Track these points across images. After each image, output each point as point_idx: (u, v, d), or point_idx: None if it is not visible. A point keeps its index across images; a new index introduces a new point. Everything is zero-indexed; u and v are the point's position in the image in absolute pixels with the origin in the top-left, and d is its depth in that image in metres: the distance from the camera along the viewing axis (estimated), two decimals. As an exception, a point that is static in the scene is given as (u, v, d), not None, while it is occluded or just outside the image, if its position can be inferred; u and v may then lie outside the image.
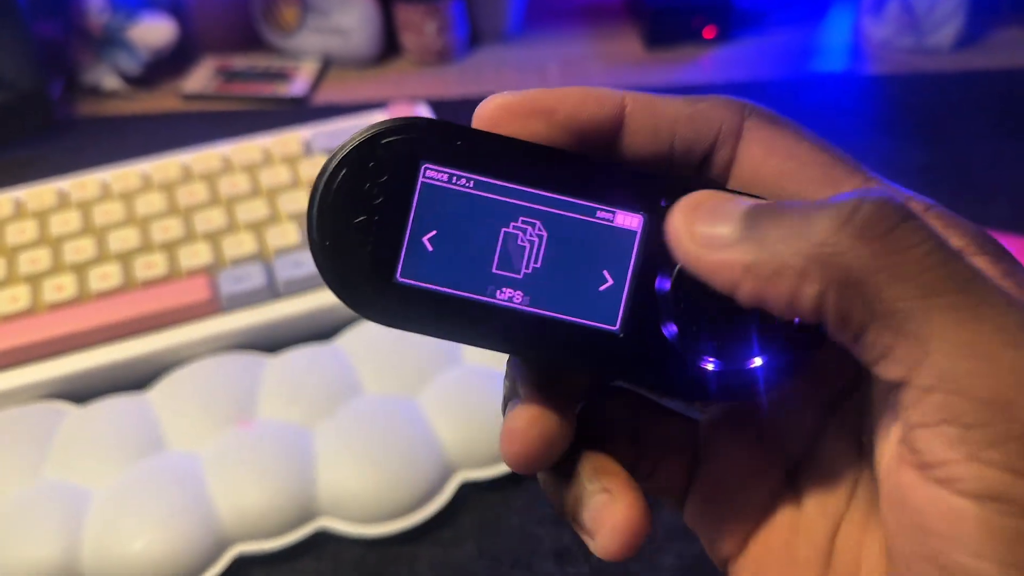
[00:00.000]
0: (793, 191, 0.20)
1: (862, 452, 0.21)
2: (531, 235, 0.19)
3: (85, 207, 0.51)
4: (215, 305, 0.46)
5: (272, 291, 0.47)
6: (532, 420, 0.19)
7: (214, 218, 0.49)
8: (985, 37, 0.73)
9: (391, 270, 0.19)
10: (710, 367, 0.19)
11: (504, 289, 0.19)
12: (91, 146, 0.65)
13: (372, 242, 0.18)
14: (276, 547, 0.39)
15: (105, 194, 0.52)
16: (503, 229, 0.19)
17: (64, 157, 0.64)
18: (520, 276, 0.19)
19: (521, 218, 0.19)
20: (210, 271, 0.47)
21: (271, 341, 0.47)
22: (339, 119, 0.57)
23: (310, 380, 0.43)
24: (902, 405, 0.16)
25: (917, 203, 0.19)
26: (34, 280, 0.47)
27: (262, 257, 0.48)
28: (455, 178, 0.19)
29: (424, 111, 0.57)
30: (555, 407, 0.20)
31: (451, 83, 0.71)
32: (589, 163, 0.19)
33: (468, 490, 0.41)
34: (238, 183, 0.51)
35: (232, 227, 0.49)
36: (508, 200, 0.19)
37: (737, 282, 0.17)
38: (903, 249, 0.16)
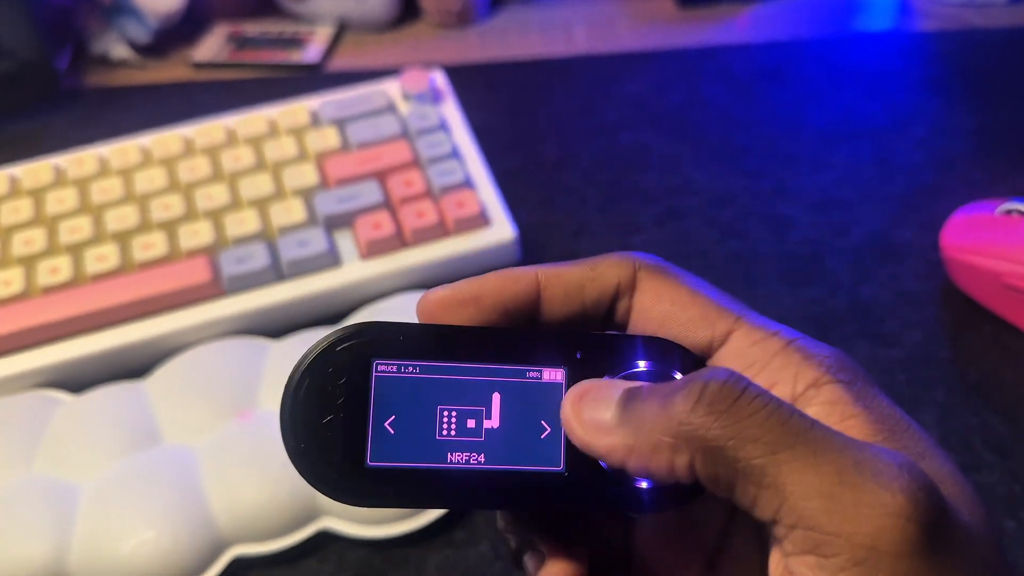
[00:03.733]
0: (677, 332, 0.23)
1: (763, 544, 0.23)
2: (475, 403, 0.22)
3: (82, 184, 0.48)
4: (216, 287, 0.44)
5: (276, 272, 0.44)
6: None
7: (216, 194, 0.47)
8: (1044, -11, 0.68)
9: (361, 457, 0.21)
10: (643, 485, 0.22)
11: (461, 454, 0.22)
12: (100, 117, 0.63)
13: (341, 437, 0.21)
14: (276, 549, 0.36)
15: (103, 170, 0.49)
16: (450, 404, 0.22)
17: (71, 128, 0.62)
18: (472, 440, 0.22)
19: (465, 390, 0.22)
20: (211, 251, 0.45)
21: (275, 325, 0.44)
22: (352, 86, 0.54)
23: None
24: (777, 537, 0.20)
25: (780, 339, 0.22)
26: (28, 262, 0.45)
27: (266, 236, 0.46)
28: (403, 367, 0.22)
29: (438, 76, 0.54)
30: (575, 554, 0.23)
31: (472, 47, 0.67)
32: (513, 334, 0.23)
33: (481, 487, 0.38)
34: (241, 157, 0.49)
35: (235, 204, 0.47)
36: (450, 377, 0.22)
37: (623, 461, 0.21)
38: (747, 416, 0.19)
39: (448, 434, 0.22)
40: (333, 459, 0.21)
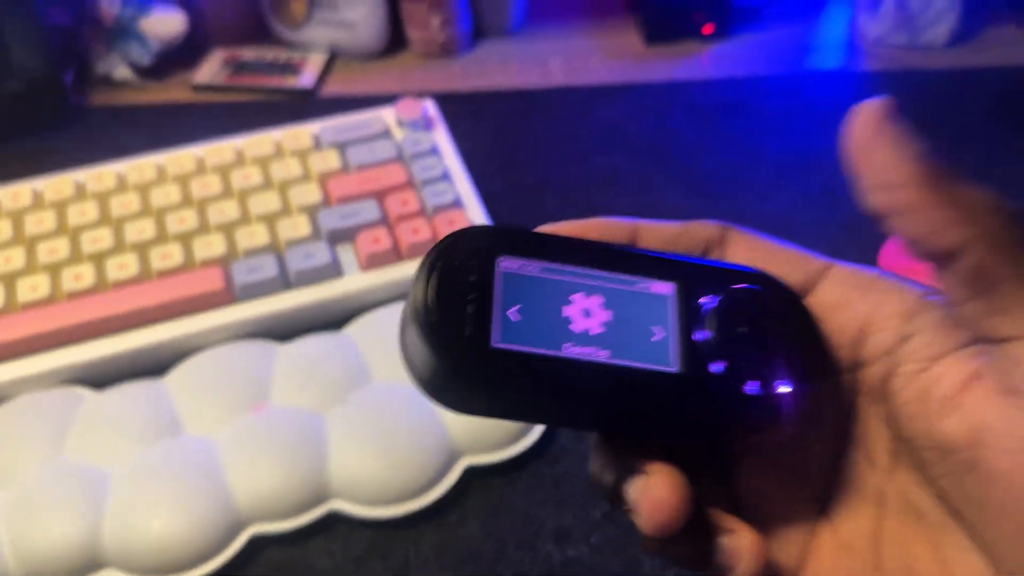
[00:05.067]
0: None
1: (876, 467, 0.24)
2: (591, 303, 0.23)
3: (102, 198, 0.52)
4: (229, 295, 0.48)
5: (284, 281, 0.49)
6: (673, 487, 0.22)
7: (227, 210, 0.51)
8: (979, 34, 0.74)
9: (487, 338, 0.22)
10: (752, 392, 0.23)
11: (580, 347, 0.22)
12: (105, 135, 0.67)
13: (468, 318, 0.22)
14: (290, 528, 0.41)
15: (121, 185, 0.53)
16: (568, 301, 0.23)
17: (78, 146, 0.66)
18: (590, 334, 0.23)
19: (582, 291, 0.23)
20: (224, 262, 0.49)
21: (283, 330, 0.48)
22: (347, 113, 0.58)
23: (321, 368, 0.45)
24: (1012, 355, 0.20)
25: (871, 272, 0.25)
26: (53, 269, 0.49)
27: (274, 248, 0.50)
28: (524, 265, 0.23)
29: (430, 105, 0.59)
30: (679, 473, 0.23)
31: (456, 76, 0.72)
32: (627, 250, 0.24)
33: (473, 474, 0.43)
34: (250, 176, 0.53)
35: (245, 219, 0.51)
36: (568, 279, 0.23)
37: (899, 186, 0.21)
38: None
39: (568, 327, 0.22)
40: (461, 335, 0.21)
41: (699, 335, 0.23)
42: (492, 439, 0.43)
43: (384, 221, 0.51)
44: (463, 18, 0.73)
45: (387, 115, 0.58)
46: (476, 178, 0.56)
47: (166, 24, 0.70)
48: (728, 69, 0.72)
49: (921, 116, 0.64)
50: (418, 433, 0.42)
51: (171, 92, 0.72)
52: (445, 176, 0.54)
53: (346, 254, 0.50)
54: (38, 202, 0.52)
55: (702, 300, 0.24)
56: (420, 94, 0.61)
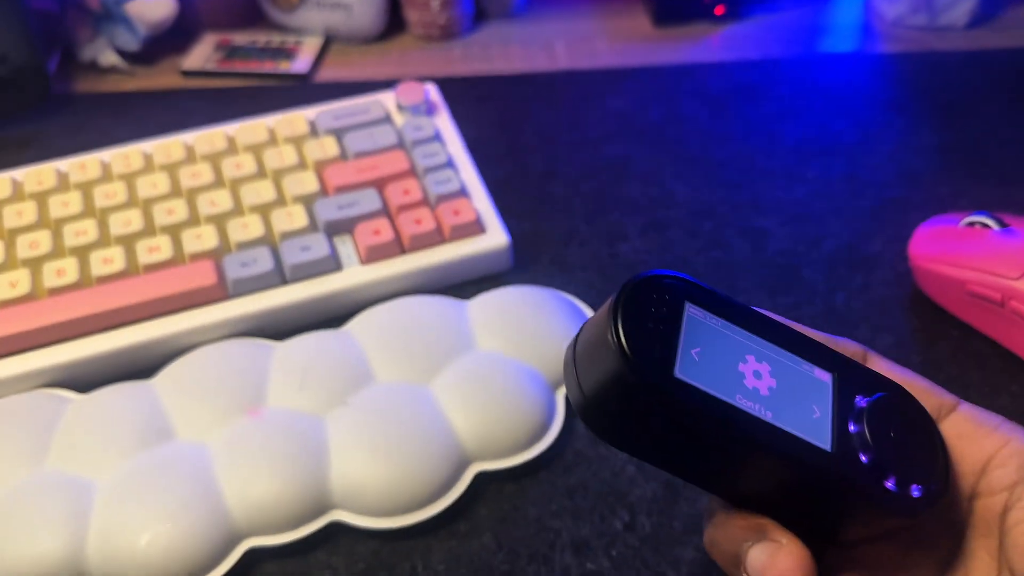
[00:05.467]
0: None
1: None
2: (763, 368, 0.25)
3: (86, 188, 0.49)
4: (221, 290, 0.45)
5: (279, 276, 0.46)
6: (801, 562, 0.24)
7: (219, 200, 0.48)
8: (999, 16, 0.72)
9: (671, 367, 0.23)
10: (891, 488, 0.24)
11: (749, 401, 0.24)
12: (90, 123, 0.64)
13: (657, 345, 0.23)
14: (289, 540, 0.38)
15: (106, 175, 0.50)
16: (743, 359, 0.24)
17: (63, 134, 0.63)
18: (758, 393, 0.24)
19: (755, 355, 0.25)
20: (215, 255, 0.46)
21: (279, 327, 0.46)
22: (342, 98, 0.55)
23: (320, 367, 0.42)
24: None
25: (994, 420, 0.27)
26: (34, 264, 0.46)
27: (268, 241, 0.47)
28: (708, 317, 0.25)
29: (432, 89, 0.56)
30: (807, 550, 0.24)
31: (456, 60, 0.69)
32: (799, 334, 0.26)
33: (484, 481, 0.40)
34: (243, 164, 0.50)
35: (237, 210, 0.48)
36: (745, 341, 0.25)
37: None
38: None
39: (741, 381, 0.24)
40: (651, 355, 0.23)
41: (853, 426, 0.25)
42: (503, 444, 0.40)
43: (385, 211, 0.48)
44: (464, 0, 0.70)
45: (387, 100, 0.55)
46: (480, 165, 0.53)
47: (154, 7, 0.67)
48: (741, 52, 0.69)
49: (941, 100, 0.62)
50: (425, 437, 0.39)
51: (160, 78, 0.69)
52: (449, 164, 0.51)
53: (345, 247, 0.48)
54: (18, 193, 0.49)
55: (858, 396, 0.26)
56: (419, 79, 0.58)
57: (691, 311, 0.24)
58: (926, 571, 0.26)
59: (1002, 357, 0.45)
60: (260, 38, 0.71)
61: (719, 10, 0.71)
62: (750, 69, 0.67)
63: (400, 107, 0.54)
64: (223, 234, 0.47)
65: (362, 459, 0.39)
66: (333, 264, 0.46)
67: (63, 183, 0.50)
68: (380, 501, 0.38)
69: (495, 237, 0.48)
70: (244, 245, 0.47)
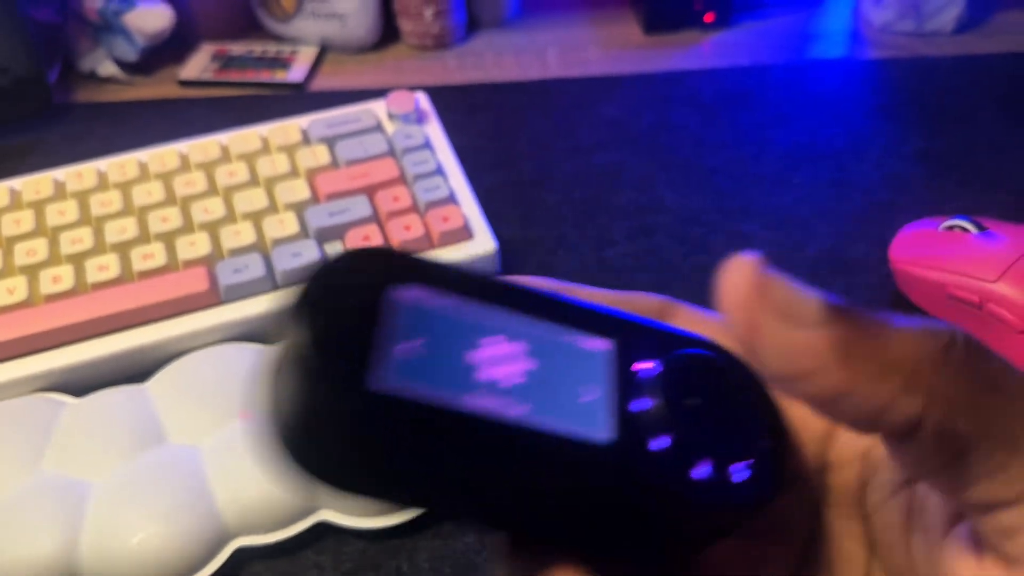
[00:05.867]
0: None
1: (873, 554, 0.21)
2: (507, 351, 0.18)
3: (82, 197, 0.50)
4: (214, 296, 0.46)
5: (271, 282, 0.47)
6: None
7: (212, 208, 0.49)
8: (986, 21, 0.72)
9: (361, 379, 0.16)
10: (703, 477, 0.18)
11: (484, 397, 0.17)
12: (90, 132, 0.65)
13: (345, 356, 0.17)
14: (277, 540, 0.39)
15: (102, 183, 0.51)
16: (479, 342, 0.18)
17: (63, 142, 0.64)
18: (498, 385, 0.17)
19: (496, 336, 0.18)
20: (208, 262, 0.47)
21: (271, 332, 0.46)
22: (337, 107, 0.56)
23: (309, 372, 0.43)
24: (1002, 525, 0.16)
25: None
26: (31, 271, 0.47)
27: (260, 248, 0.48)
28: (429, 299, 0.18)
29: (422, 98, 0.57)
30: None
31: (449, 69, 0.70)
32: (560, 300, 0.19)
33: (468, 482, 0.41)
34: (236, 172, 0.51)
35: (230, 217, 0.49)
36: (482, 322, 0.18)
37: (817, 370, 0.15)
38: (1004, 374, 0.16)
39: (470, 374, 0.17)
40: (333, 373, 0.16)
41: (638, 404, 0.19)
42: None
43: (375, 218, 0.49)
44: (457, 9, 0.71)
45: (378, 108, 0.56)
46: (470, 173, 0.54)
47: (152, 18, 0.68)
48: (730, 59, 0.70)
49: (928, 105, 0.62)
50: (411, 439, 0.40)
51: (158, 88, 0.70)
52: (438, 171, 0.52)
53: (335, 253, 0.48)
54: (15, 202, 0.50)
55: (647, 364, 0.19)
56: (413, 87, 0.59)
57: (400, 296, 0.18)
58: (782, 568, 0.21)
59: (982, 359, 0.46)
60: (256, 48, 0.72)
61: (709, 17, 0.72)
62: (740, 76, 0.67)
63: (391, 116, 0.55)
64: (216, 241, 0.48)
65: (349, 461, 0.40)
66: (324, 270, 0.47)
67: (60, 192, 0.51)
68: (367, 502, 0.39)
69: (483, 243, 0.49)
70: (236, 252, 0.47)
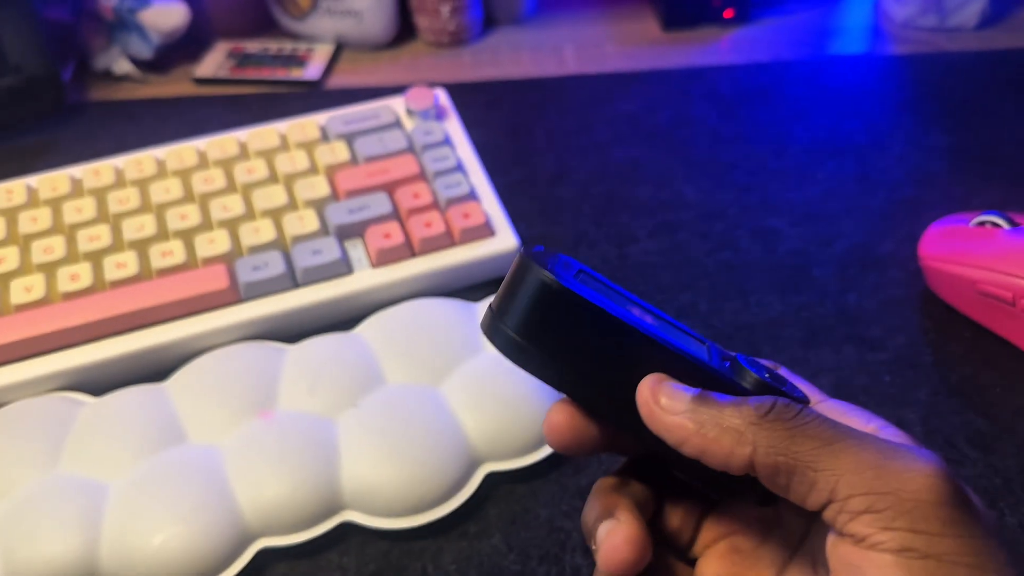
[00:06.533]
0: None
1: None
2: (647, 317, 0.28)
3: (99, 194, 0.50)
4: (233, 294, 0.46)
5: (291, 279, 0.46)
6: (633, 539, 0.27)
7: (231, 205, 0.49)
8: (1010, 15, 0.71)
9: (572, 284, 0.26)
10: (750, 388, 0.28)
11: (639, 316, 0.27)
12: (104, 130, 0.64)
13: (562, 273, 0.27)
14: (300, 541, 0.38)
15: (119, 181, 0.51)
16: (630, 307, 0.28)
17: (77, 141, 0.63)
18: (646, 319, 0.27)
19: (639, 308, 0.28)
20: (227, 259, 0.47)
21: (290, 330, 0.46)
22: (355, 104, 0.56)
23: (331, 370, 0.42)
24: (830, 518, 0.24)
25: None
26: (48, 269, 0.46)
27: (280, 245, 0.47)
28: (597, 284, 0.28)
29: (441, 94, 0.56)
30: (644, 528, 0.27)
31: (466, 66, 0.70)
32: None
33: (494, 482, 0.40)
34: (255, 169, 0.50)
35: (249, 214, 0.49)
36: (629, 299, 0.29)
37: (686, 438, 0.25)
38: (804, 423, 0.24)
39: (629, 308, 0.27)
40: (564, 276, 0.26)
41: (726, 366, 0.28)
42: (513, 444, 0.40)
43: (395, 215, 0.49)
44: (474, 6, 0.71)
45: (397, 105, 0.55)
46: (490, 169, 0.53)
47: (167, 16, 0.68)
48: (750, 55, 0.69)
49: (951, 101, 0.61)
50: (436, 438, 0.39)
51: (173, 86, 0.69)
52: (458, 167, 0.51)
53: (356, 250, 0.48)
54: (32, 199, 0.50)
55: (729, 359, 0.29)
56: (431, 84, 0.58)
57: (582, 277, 0.27)
58: (779, 556, 0.29)
59: (1014, 357, 0.45)
60: (272, 46, 0.72)
61: (728, 13, 0.71)
62: (759, 72, 0.67)
63: (410, 112, 0.55)
64: (235, 238, 0.47)
65: (373, 460, 0.39)
66: (344, 267, 0.47)
67: (77, 189, 0.50)
68: (391, 502, 0.38)
69: (504, 240, 0.48)
70: (256, 249, 0.47)
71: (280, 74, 0.68)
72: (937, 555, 0.22)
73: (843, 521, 0.23)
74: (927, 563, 0.22)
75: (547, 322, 0.26)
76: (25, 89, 0.64)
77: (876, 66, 0.67)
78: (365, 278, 0.47)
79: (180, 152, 0.52)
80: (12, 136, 0.65)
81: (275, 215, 0.48)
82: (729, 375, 0.27)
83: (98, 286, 0.46)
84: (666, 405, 0.25)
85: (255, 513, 0.38)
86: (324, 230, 0.48)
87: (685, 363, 0.27)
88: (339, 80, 0.69)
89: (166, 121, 0.65)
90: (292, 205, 0.49)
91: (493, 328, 0.27)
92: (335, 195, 0.50)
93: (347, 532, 0.39)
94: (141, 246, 0.47)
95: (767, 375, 0.28)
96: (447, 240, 0.48)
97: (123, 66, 0.69)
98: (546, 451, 0.41)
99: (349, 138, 0.53)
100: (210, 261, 0.46)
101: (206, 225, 0.48)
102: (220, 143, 0.52)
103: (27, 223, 0.48)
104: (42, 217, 0.48)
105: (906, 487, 0.22)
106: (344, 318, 0.47)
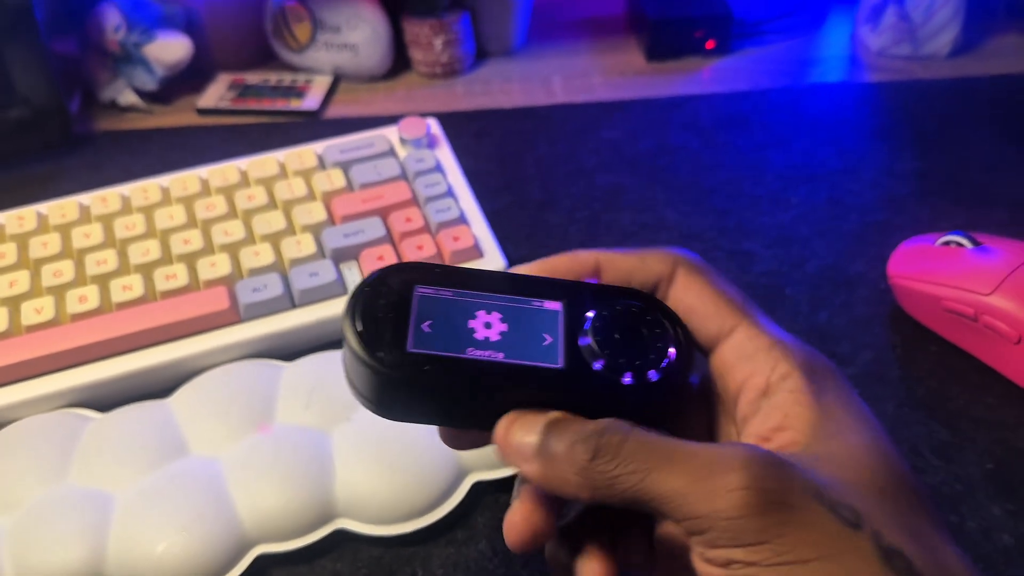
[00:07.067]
0: (695, 323, 0.30)
1: None
2: (493, 318, 0.28)
3: (106, 220, 0.52)
4: (233, 315, 0.48)
5: (288, 300, 0.49)
6: (526, 519, 0.28)
7: (232, 230, 0.51)
8: (981, 44, 0.74)
9: (404, 344, 0.27)
10: (626, 382, 0.28)
11: (480, 350, 0.28)
12: (110, 160, 0.67)
13: (390, 330, 0.27)
14: (296, 547, 0.40)
15: (126, 207, 0.53)
16: (475, 313, 0.28)
17: (84, 171, 0.66)
18: (489, 340, 0.28)
19: (484, 309, 0.29)
20: (228, 282, 0.49)
21: (288, 349, 0.48)
22: (351, 133, 0.58)
23: (326, 386, 0.45)
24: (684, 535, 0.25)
25: (768, 338, 0.29)
26: (57, 292, 0.49)
27: (278, 268, 0.50)
28: (438, 291, 0.29)
29: (433, 124, 0.59)
30: (544, 505, 0.28)
31: (459, 96, 0.72)
32: (526, 277, 0.30)
33: (481, 490, 0.42)
34: (255, 196, 0.53)
35: (249, 239, 0.51)
36: (473, 300, 0.29)
37: (539, 481, 0.26)
38: (628, 455, 0.25)
39: (471, 336, 0.28)
40: (384, 343, 0.27)
41: (583, 340, 0.28)
42: (499, 455, 0.42)
43: (388, 238, 0.51)
44: (466, 39, 0.74)
45: (390, 134, 0.58)
46: (480, 195, 0.56)
47: (171, 49, 0.71)
48: (730, 84, 0.72)
49: (924, 127, 0.64)
50: (424, 449, 0.42)
51: (177, 116, 0.72)
52: (449, 193, 0.54)
53: (351, 272, 0.50)
54: (43, 225, 0.52)
55: (587, 315, 0.29)
56: (424, 114, 0.61)
57: (421, 292, 0.28)
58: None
59: (978, 370, 0.47)
60: (272, 77, 0.74)
61: (710, 44, 0.74)
62: (739, 100, 0.69)
63: (403, 141, 0.57)
64: (236, 262, 0.50)
65: (365, 471, 0.41)
66: (340, 289, 0.49)
67: (85, 215, 0.53)
68: (382, 510, 0.40)
69: (493, 262, 0.51)
70: (256, 272, 0.49)
71: (280, 105, 0.71)
72: (757, 562, 0.23)
73: (689, 541, 0.25)
74: (751, 570, 0.23)
75: (390, 397, 0.28)
76: (33, 120, 0.67)
77: (852, 94, 0.70)
78: (359, 299, 0.49)
79: (183, 180, 0.54)
80: (21, 165, 0.67)
81: (274, 239, 0.51)
82: (581, 364, 0.28)
83: (105, 308, 0.48)
84: (516, 450, 0.27)
85: (253, 521, 0.40)
86: (320, 253, 0.51)
87: (535, 382, 0.27)
88: (337, 110, 0.72)
89: (170, 150, 0.68)
90: (290, 230, 0.52)
91: (355, 394, 0.29)
92: (331, 220, 0.52)
93: (341, 539, 0.41)
94: (146, 269, 0.50)
95: (617, 335, 0.28)
96: (438, 261, 0.50)
97: (128, 97, 0.72)
98: (530, 461, 0.43)
99: (345, 166, 0.55)
100: (212, 283, 0.49)
101: (208, 249, 0.51)
102: (222, 171, 0.55)
103: (38, 248, 0.51)
104: (52, 242, 0.51)
105: (717, 508, 0.24)
106: (339, 337, 0.49)
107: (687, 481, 0.24)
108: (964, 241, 0.48)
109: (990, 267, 0.46)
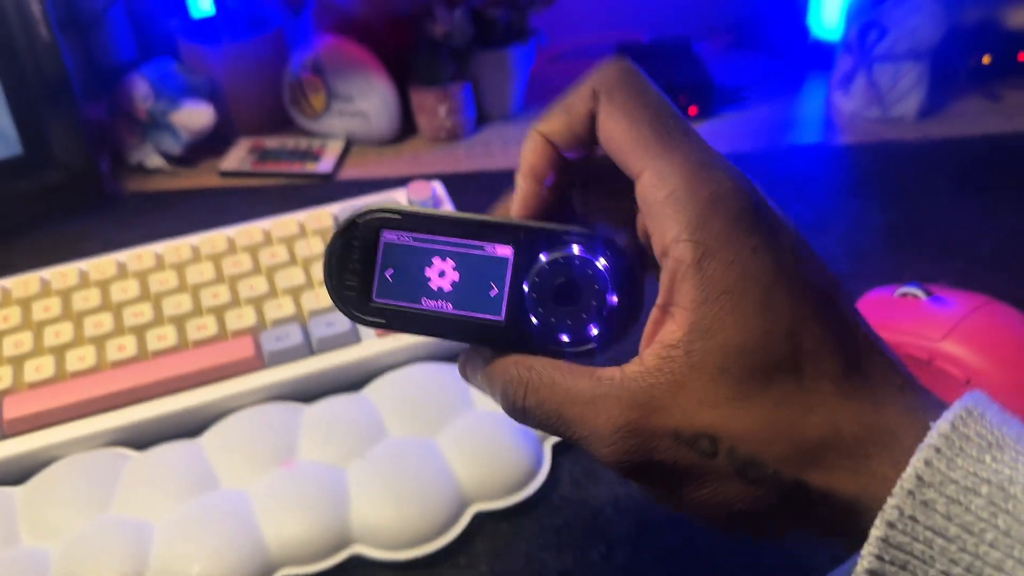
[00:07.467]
0: (621, 163, 0.29)
1: None
2: (447, 266, 0.30)
3: (142, 276, 0.58)
4: (258, 361, 0.53)
5: (308, 348, 0.54)
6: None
7: (257, 285, 0.56)
8: (945, 108, 0.80)
9: (370, 294, 0.31)
10: (564, 339, 0.30)
11: (432, 300, 0.31)
12: (139, 219, 0.72)
13: (359, 280, 0.31)
14: (316, 570, 0.45)
15: (159, 264, 0.59)
16: (431, 260, 0.30)
17: (115, 230, 0.71)
18: (442, 291, 0.31)
19: (441, 256, 0.30)
20: (254, 332, 0.54)
21: (307, 392, 0.53)
22: (362, 195, 0.64)
23: (342, 425, 0.50)
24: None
25: (665, 187, 0.28)
26: (98, 341, 0.54)
27: (299, 319, 0.55)
28: (401, 236, 0.30)
29: (438, 186, 0.64)
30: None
31: (461, 159, 0.78)
32: (480, 220, 0.31)
33: (481, 520, 0.47)
34: (277, 254, 0.58)
35: (272, 293, 0.56)
36: (431, 246, 0.30)
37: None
38: (536, 404, 0.29)
39: (426, 284, 0.30)
40: (353, 293, 0.31)
41: (526, 294, 0.30)
42: (499, 487, 0.47)
43: (398, 292, 0.56)
44: (468, 106, 0.80)
45: (400, 195, 0.63)
46: (481, 251, 0.61)
47: (196, 117, 0.77)
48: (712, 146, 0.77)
49: (892, 184, 0.69)
50: (431, 483, 0.46)
51: (201, 179, 0.78)
52: (453, 250, 0.59)
53: (364, 322, 0.55)
54: (84, 281, 0.58)
55: (537, 260, 0.30)
56: (430, 176, 0.66)
57: (387, 237, 0.30)
58: None
59: (933, 409, 0.52)
60: (289, 142, 0.80)
61: (692, 110, 0.80)
62: (722, 161, 0.75)
63: (411, 202, 0.63)
64: (260, 313, 0.55)
65: (378, 502, 0.46)
66: (353, 337, 0.54)
67: (122, 272, 0.58)
68: (393, 537, 0.45)
69: (492, 312, 0.56)
70: (278, 322, 0.54)
71: (296, 168, 0.77)
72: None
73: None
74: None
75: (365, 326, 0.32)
76: (69, 182, 0.73)
77: (826, 154, 0.76)
78: (372, 346, 0.54)
79: (212, 239, 0.60)
80: (56, 224, 0.73)
81: (295, 293, 0.56)
82: (522, 318, 0.30)
83: (142, 356, 0.53)
84: (470, 382, 0.33)
85: (278, 546, 0.45)
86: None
87: (478, 333, 0.30)
88: (349, 173, 0.77)
89: (194, 210, 0.73)
90: (309, 284, 0.57)
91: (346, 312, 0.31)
92: (346, 275, 0.58)
93: (356, 563, 0.46)
94: (179, 321, 0.55)
95: (558, 287, 0.29)
96: (442, 313, 0.55)
97: (155, 161, 0.78)
98: (526, 493, 0.47)
99: (358, 225, 0.61)
100: (238, 333, 0.54)
101: (235, 302, 0.56)
102: (247, 231, 0.60)
103: (80, 302, 0.56)
104: (93, 296, 0.56)
105: (600, 454, 0.27)
106: (353, 380, 0.54)
107: (579, 423, 0.27)
108: (919, 292, 0.53)
109: (942, 316, 0.51)
